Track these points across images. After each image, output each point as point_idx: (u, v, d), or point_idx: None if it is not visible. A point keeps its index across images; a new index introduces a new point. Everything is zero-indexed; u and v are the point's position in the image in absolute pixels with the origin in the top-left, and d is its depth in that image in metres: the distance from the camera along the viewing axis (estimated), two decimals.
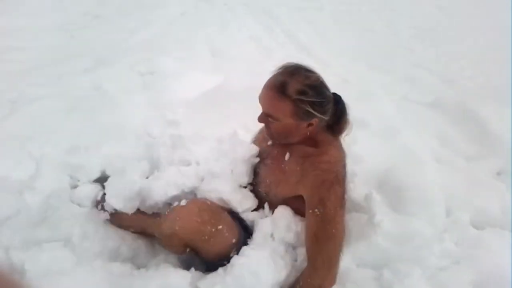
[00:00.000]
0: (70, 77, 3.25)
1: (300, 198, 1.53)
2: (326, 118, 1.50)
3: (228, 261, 1.50)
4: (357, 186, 1.87)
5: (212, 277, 1.46)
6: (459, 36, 5.53)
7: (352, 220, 1.76)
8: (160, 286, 1.40)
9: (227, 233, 1.53)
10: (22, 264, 1.50)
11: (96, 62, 3.73)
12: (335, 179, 1.45)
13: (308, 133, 1.53)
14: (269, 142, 1.69)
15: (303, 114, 1.44)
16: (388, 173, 1.92)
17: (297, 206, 1.58)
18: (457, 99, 3.04)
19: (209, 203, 1.59)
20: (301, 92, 1.40)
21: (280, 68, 1.49)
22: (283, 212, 1.62)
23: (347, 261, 1.61)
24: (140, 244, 1.70)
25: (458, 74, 4.11)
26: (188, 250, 1.53)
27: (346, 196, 1.50)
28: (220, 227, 1.50)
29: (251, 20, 5.83)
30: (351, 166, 1.96)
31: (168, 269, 1.49)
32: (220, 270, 1.47)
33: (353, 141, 2.18)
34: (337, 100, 1.56)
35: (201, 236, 1.47)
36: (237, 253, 1.54)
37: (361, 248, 1.67)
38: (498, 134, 2.51)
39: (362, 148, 2.09)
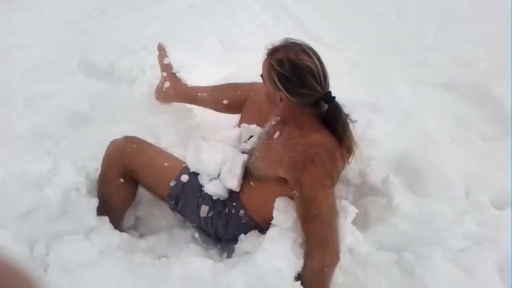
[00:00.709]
0: (84, 71, 3.25)
1: (283, 182, 1.53)
2: (293, 99, 1.50)
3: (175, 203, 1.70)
4: (374, 170, 1.85)
5: (234, 272, 1.45)
6: (471, 18, 5.44)
7: (371, 204, 1.75)
8: (182, 274, 1.40)
9: (160, 164, 1.71)
10: (44, 257, 1.53)
11: (108, 56, 3.72)
12: (308, 159, 1.43)
13: (284, 110, 1.57)
14: (273, 122, 1.72)
15: (273, 83, 1.50)
16: (406, 156, 1.90)
17: (278, 190, 1.58)
18: (472, 80, 2.99)
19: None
20: (279, 61, 1.47)
21: (294, 40, 1.55)
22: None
23: (367, 245, 1.61)
24: (159, 235, 1.72)
25: (472, 55, 4.04)
26: (122, 179, 1.70)
27: (331, 176, 1.48)
28: (150, 152, 1.72)
29: (259, 9, 5.80)
30: (368, 150, 1.96)
31: (189, 257, 1.50)
32: (243, 265, 1.46)
33: (368, 125, 2.17)
34: (328, 98, 1.53)
35: (124, 151, 1.69)
36: (176, 205, 1.71)
37: (380, 232, 1.66)
38: None
39: (377, 132, 2.07)
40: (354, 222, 1.57)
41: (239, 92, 2.06)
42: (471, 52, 4.16)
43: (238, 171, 1.66)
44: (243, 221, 1.68)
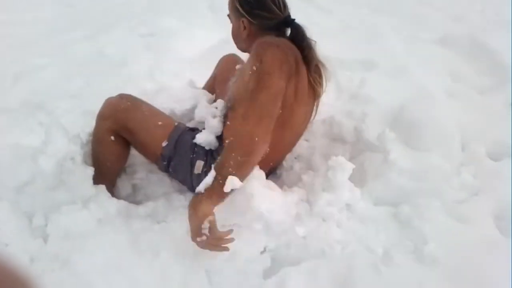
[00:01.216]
0: (71, 45, 3.22)
1: None
2: (254, 22, 1.58)
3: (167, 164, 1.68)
4: (369, 127, 1.84)
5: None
6: None
7: (367, 160, 1.75)
8: (182, 236, 1.41)
9: (154, 123, 1.69)
10: (43, 228, 1.53)
11: (96, 29, 3.68)
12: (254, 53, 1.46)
13: (248, 39, 1.62)
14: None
15: (235, 11, 1.61)
16: (401, 111, 1.89)
17: None
18: (467, 34, 2.95)
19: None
20: None
21: None
22: None
23: (364, 200, 1.61)
24: (157, 201, 1.72)
25: (466, 9, 4.00)
26: (113, 137, 1.68)
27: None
28: (144, 109, 1.69)
29: None
30: (362, 107, 1.95)
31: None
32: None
33: (362, 83, 2.15)
34: (287, 21, 1.59)
35: (118, 107, 1.65)
36: (168, 166, 1.69)
37: (378, 187, 1.66)
38: (510, 64, 2.45)
39: (372, 89, 2.05)
40: (351, 179, 1.58)
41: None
42: (465, 5, 4.11)
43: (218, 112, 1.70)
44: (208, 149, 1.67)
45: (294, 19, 1.59)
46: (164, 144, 1.68)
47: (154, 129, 1.70)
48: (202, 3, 4.17)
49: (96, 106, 1.83)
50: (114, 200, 1.63)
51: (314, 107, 1.70)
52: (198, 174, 1.68)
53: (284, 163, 1.87)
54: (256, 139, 1.35)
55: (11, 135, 1.76)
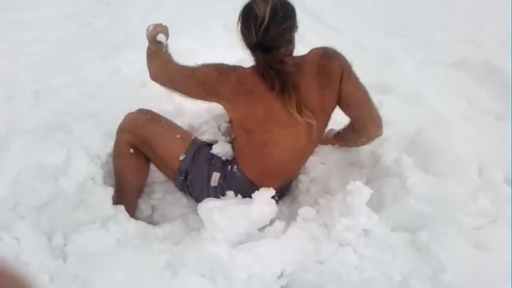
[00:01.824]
0: (89, 64, 3.26)
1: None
2: (240, 36, 1.62)
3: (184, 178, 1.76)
4: (387, 151, 1.85)
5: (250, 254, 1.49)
6: None
7: (384, 185, 1.74)
8: (199, 257, 1.42)
9: (172, 136, 1.79)
10: (62, 247, 1.55)
11: (113, 48, 3.73)
12: None
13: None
14: None
15: None
16: (417, 136, 1.89)
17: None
18: (481, 58, 2.96)
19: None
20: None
21: None
22: None
23: (382, 226, 1.61)
24: (175, 222, 1.73)
25: (479, 32, 4.01)
26: (132, 150, 1.77)
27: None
28: (163, 123, 1.81)
29: None
30: None
31: (205, 241, 1.51)
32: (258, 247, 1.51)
33: (378, 106, 2.16)
34: (255, 46, 1.56)
35: (138, 121, 1.76)
36: (185, 180, 1.76)
37: (395, 212, 1.66)
38: None
39: (388, 113, 2.05)
40: (368, 203, 1.58)
41: None
42: (478, 29, 4.13)
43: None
44: (237, 175, 1.73)
45: (261, 46, 1.55)
46: (181, 157, 1.75)
47: (172, 143, 1.77)
48: (216, 23, 4.22)
49: (115, 126, 1.87)
50: (133, 220, 1.65)
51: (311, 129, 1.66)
52: (214, 187, 1.71)
53: (299, 185, 1.88)
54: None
55: (32, 155, 1.78)
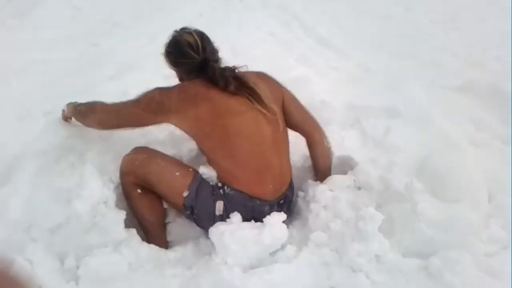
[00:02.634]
0: (97, 85, 3.29)
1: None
2: (178, 69, 1.93)
3: (191, 212, 1.77)
4: (396, 176, 1.86)
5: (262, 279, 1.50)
6: (480, 16, 5.43)
7: (395, 210, 1.75)
8: (212, 282, 1.43)
9: (171, 173, 1.78)
10: (75, 270, 1.55)
11: (121, 68, 3.76)
12: None
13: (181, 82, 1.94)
14: None
15: (167, 63, 1.96)
16: (427, 161, 1.91)
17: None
18: (487, 81, 2.99)
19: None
20: (166, 43, 1.93)
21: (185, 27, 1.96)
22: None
23: (393, 252, 1.61)
24: (186, 246, 1.74)
25: (483, 55, 4.04)
26: (139, 190, 1.79)
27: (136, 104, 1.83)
28: (160, 161, 1.81)
29: (267, 16, 5.81)
30: (388, 156, 1.97)
31: (217, 266, 1.51)
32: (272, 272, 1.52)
33: (386, 131, 2.18)
34: (203, 63, 1.81)
35: (135, 162, 1.78)
36: (192, 214, 1.78)
37: (406, 238, 1.66)
38: None
39: (397, 138, 2.09)
40: (379, 229, 1.58)
41: None
42: (483, 51, 4.15)
43: None
44: (232, 194, 1.76)
45: (209, 61, 1.80)
46: (185, 194, 1.75)
47: (173, 181, 1.78)
48: (224, 46, 4.27)
49: (126, 149, 1.88)
50: (145, 244, 1.65)
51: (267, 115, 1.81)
52: (220, 215, 1.73)
53: (312, 207, 1.87)
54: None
55: (46, 177, 1.80)
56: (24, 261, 1.51)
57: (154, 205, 1.85)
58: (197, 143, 1.85)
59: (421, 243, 1.64)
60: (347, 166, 2.04)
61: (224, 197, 1.75)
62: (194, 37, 1.82)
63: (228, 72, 1.80)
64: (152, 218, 1.84)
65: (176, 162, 1.89)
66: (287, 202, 1.94)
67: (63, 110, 2.18)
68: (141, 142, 2.11)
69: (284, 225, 1.67)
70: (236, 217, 1.73)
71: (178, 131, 2.08)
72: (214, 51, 1.87)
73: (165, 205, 1.92)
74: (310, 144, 2.04)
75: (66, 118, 2.20)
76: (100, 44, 4.72)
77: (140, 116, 1.83)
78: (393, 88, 2.71)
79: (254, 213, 1.76)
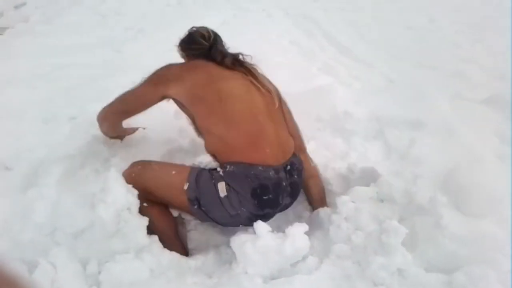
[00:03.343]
0: (121, 90, 3.33)
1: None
2: (186, 53, 2.06)
3: (198, 206, 1.76)
4: (420, 189, 1.84)
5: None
6: (505, 28, 5.35)
7: (418, 223, 1.73)
8: None
9: (168, 174, 1.82)
10: (96, 276, 1.57)
11: (144, 75, 3.80)
12: None
13: None
14: None
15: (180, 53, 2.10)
16: (451, 174, 1.89)
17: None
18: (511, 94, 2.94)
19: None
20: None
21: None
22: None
23: (416, 266, 1.59)
24: (207, 254, 1.74)
25: (509, 67, 3.98)
26: (145, 204, 1.78)
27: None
28: (154, 167, 1.85)
29: (290, 25, 5.82)
30: (412, 168, 1.95)
31: (239, 276, 1.51)
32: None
33: (410, 143, 2.16)
34: (211, 48, 1.96)
35: (131, 175, 1.79)
36: (199, 206, 1.76)
37: (429, 252, 1.64)
38: None
39: (421, 150, 2.06)
40: (402, 243, 1.57)
41: None
42: (509, 64, 4.09)
43: None
44: (232, 170, 1.76)
45: (216, 46, 1.96)
46: (185, 187, 1.76)
47: (171, 180, 1.80)
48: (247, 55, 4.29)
49: (148, 155, 1.90)
50: (166, 251, 1.66)
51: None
52: (225, 196, 1.72)
53: (333, 218, 1.85)
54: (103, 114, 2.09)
55: (71, 181, 1.83)
56: (47, 264, 1.53)
57: (162, 215, 1.86)
58: (192, 113, 1.92)
59: (445, 258, 1.61)
60: (370, 178, 2.02)
61: (224, 177, 1.74)
62: (208, 31, 2.01)
63: (228, 53, 1.96)
64: (162, 228, 1.84)
65: (170, 164, 1.96)
66: (296, 170, 1.90)
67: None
68: (163, 149, 2.14)
69: (306, 236, 1.66)
70: (260, 227, 1.68)
71: (199, 140, 2.11)
72: (223, 45, 2.01)
73: (176, 214, 1.92)
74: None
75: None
76: (124, 50, 4.79)
77: (143, 93, 1.98)
78: (417, 99, 2.68)
79: (260, 180, 1.73)
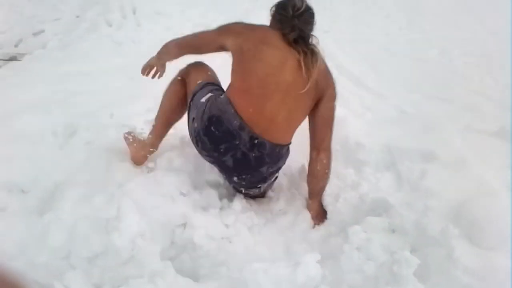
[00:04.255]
0: (136, 117, 3.39)
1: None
2: (273, 18, 2.10)
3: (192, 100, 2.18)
4: (431, 220, 1.85)
5: None
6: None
7: (430, 255, 1.73)
8: None
9: (204, 73, 2.28)
10: None
11: (157, 102, 3.86)
12: None
13: None
14: None
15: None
16: (463, 206, 1.88)
17: None
18: None
19: None
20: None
21: None
22: None
23: None
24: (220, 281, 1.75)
25: None
26: (179, 77, 2.36)
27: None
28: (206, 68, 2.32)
29: None
30: (424, 200, 1.96)
31: None
32: None
33: (422, 174, 2.17)
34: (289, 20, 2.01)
35: (187, 67, 2.37)
36: (191, 100, 2.15)
37: (441, 285, 1.64)
38: None
39: (433, 182, 2.06)
40: (414, 274, 1.56)
41: None
42: None
43: None
44: (220, 97, 2.05)
45: (296, 18, 1.97)
46: (198, 82, 2.21)
47: (198, 76, 2.24)
48: None
49: (164, 184, 1.93)
50: (179, 277, 1.67)
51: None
52: (202, 102, 2.08)
53: (345, 247, 1.85)
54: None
55: (87, 206, 1.86)
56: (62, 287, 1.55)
57: (178, 93, 2.31)
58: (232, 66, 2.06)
59: None
60: (381, 208, 2.03)
61: (213, 93, 2.07)
62: (303, 4, 2.00)
63: (299, 29, 1.98)
64: (169, 102, 2.34)
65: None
66: (259, 152, 1.99)
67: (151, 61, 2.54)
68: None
69: (318, 265, 1.67)
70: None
71: None
72: (309, 25, 2.04)
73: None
74: (310, 157, 2.19)
75: (151, 67, 2.53)
76: (138, 78, 4.87)
77: (207, 36, 2.20)
78: (429, 131, 2.70)
79: (224, 116, 1.95)
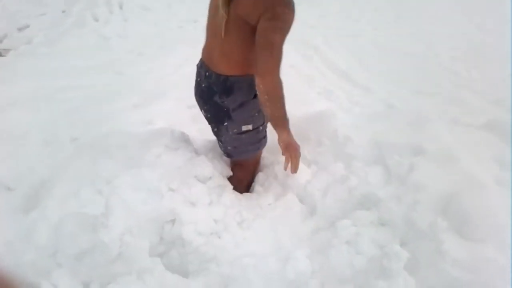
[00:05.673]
0: (122, 113, 3.36)
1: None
2: None
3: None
4: (420, 214, 1.85)
5: None
6: (501, 54, 5.45)
7: (419, 248, 1.73)
8: None
9: None
10: None
11: (145, 98, 3.84)
12: None
13: None
14: None
15: None
16: (452, 200, 1.89)
17: None
18: (510, 120, 2.97)
19: None
20: None
21: None
22: None
23: None
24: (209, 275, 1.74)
25: (506, 93, 4.03)
26: None
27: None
28: None
29: (291, 49, 5.89)
30: (413, 194, 1.96)
31: None
32: None
33: (410, 168, 2.17)
34: None
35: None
36: None
37: (430, 277, 1.64)
38: None
39: (422, 175, 2.07)
40: (403, 267, 1.57)
41: None
42: (503, 89, 4.15)
43: None
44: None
45: None
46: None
47: None
48: None
49: (153, 178, 1.90)
50: (168, 274, 1.66)
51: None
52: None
53: (334, 242, 1.85)
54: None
55: (73, 203, 1.84)
56: (49, 286, 1.53)
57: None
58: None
59: (446, 283, 1.62)
60: (370, 202, 2.03)
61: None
62: None
63: None
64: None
65: None
66: (208, 82, 2.12)
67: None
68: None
69: (308, 260, 1.67)
70: None
71: None
72: None
73: None
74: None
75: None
76: (125, 73, 4.84)
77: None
78: (416, 125, 2.70)
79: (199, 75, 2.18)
